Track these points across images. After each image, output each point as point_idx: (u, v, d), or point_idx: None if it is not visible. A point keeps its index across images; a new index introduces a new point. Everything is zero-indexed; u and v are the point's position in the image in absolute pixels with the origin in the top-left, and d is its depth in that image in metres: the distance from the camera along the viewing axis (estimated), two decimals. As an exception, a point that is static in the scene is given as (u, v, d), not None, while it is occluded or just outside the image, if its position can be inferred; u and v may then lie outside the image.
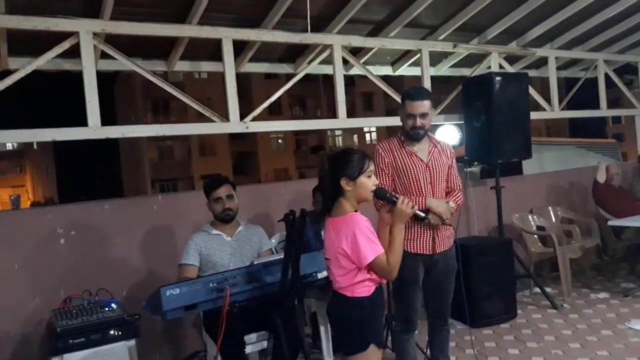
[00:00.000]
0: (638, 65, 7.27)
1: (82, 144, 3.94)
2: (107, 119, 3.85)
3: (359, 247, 2.17)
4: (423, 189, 3.01)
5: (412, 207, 2.29)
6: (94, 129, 3.71)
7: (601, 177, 5.66)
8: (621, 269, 5.91)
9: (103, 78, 4.19)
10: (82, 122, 3.70)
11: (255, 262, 2.85)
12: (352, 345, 2.28)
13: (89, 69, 3.68)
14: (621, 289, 5.22)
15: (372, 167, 2.30)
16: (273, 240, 3.97)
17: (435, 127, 5.56)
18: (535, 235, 5.56)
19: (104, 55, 4.00)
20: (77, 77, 3.75)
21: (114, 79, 33.67)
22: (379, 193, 2.33)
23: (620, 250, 5.91)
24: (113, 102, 35.35)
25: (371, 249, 2.18)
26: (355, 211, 2.27)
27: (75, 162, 41.62)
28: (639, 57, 7.19)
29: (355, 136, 39.50)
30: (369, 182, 2.28)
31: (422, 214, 2.36)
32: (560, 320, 4.49)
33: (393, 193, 2.35)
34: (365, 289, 2.25)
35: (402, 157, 3.05)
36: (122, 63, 3.94)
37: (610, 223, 5.23)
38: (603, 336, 4.08)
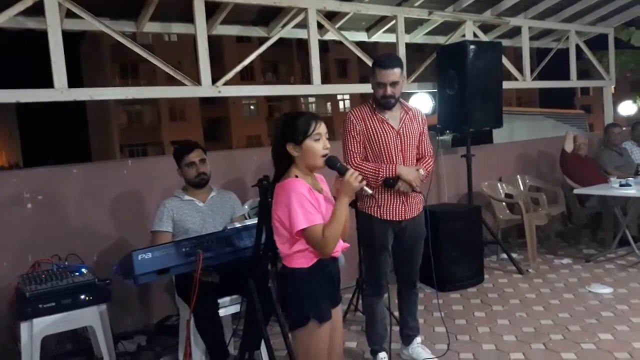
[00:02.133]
0: (608, 37, 7.38)
1: (47, 106, 3.82)
2: (73, 82, 3.73)
3: (292, 214, 2.02)
4: (394, 156, 3.02)
5: (361, 182, 2.09)
6: (61, 91, 3.59)
7: (569, 147, 5.79)
8: (584, 236, 6.12)
9: (69, 38, 4.03)
10: (48, 83, 3.57)
11: (229, 227, 2.85)
12: (292, 319, 2.17)
13: (54, 28, 3.53)
14: (583, 255, 5.41)
15: (320, 130, 2.11)
16: (246, 207, 3.96)
17: (409, 94, 5.57)
18: (504, 203, 5.69)
19: (70, 14, 3.83)
20: (41, 36, 3.60)
21: (80, 39, 32.50)
22: (330, 161, 2.14)
23: (584, 217, 6.10)
24: (79, 64, 34.21)
25: (304, 217, 2.01)
26: (296, 177, 2.09)
27: (41, 125, 40.41)
28: (609, 29, 7.29)
29: (329, 103, 39.30)
30: (317, 146, 2.10)
31: (370, 191, 2.21)
32: (525, 285, 4.65)
33: (344, 164, 2.18)
34: (303, 260, 2.10)
35: (374, 125, 3.03)
36: (89, 23, 3.80)
37: (575, 191, 5.37)
38: (565, 299, 4.24)
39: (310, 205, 2.04)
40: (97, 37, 26.61)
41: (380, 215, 3.05)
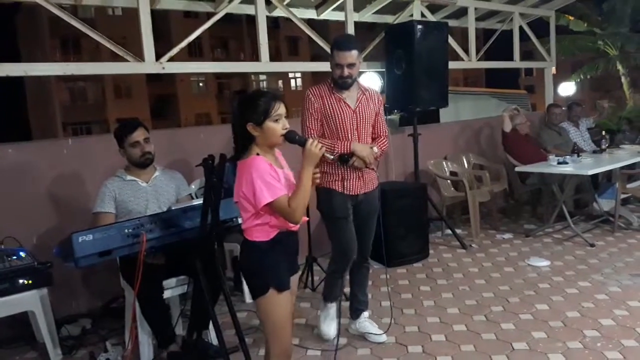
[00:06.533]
0: (550, 19, 7.62)
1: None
2: (9, 56, 3.54)
3: (256, 191, 2.12)
4: (349, 134, 3.12)
5: (321, 149, 2.22)
6: (-9, 66, 3.41)
7: (507, 127, 5.97)
8: (525, 212, 6.38)
9: (3, 9, 3.81)
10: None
11: (173, 208, 2.81)
12: (254, 289, 2.30)
13: (-18, -2, 3.33)
14: (524, 230, 5.64)
15: (280, 111, 2.20)
16: (193, 186, 3.90)
17: (359, 74, 5.57)
18: (448, 180, 5.84)
19: (0, -16, 3.63)
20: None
21: (16, 12, 30.71)
22: (288, 136, 2.24)
23: (525, 194, 6.34)
24: (16, 38, 32.35)
25: (268, 191, 2.12)
26: (257, 154, 2.19)
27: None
28: (551, 12, 7.53)
29: (280, 82, 38.87)
30: (276, 126, 2.20)
31: (331, 156, 2.33)
32: (469, 259, 4.81)
33: (302, 135, 2.26)
34: (262, 233, 2.23)
35: (331, 103, 3.13)
36: (21, -7, 3.61)
37: (516, 169, 5.58)
38: (505, 272, 4.42)
39: (272, 178, 2.14)
40: (34, 8, 25.21)
41: (338, 188, 3.14)
